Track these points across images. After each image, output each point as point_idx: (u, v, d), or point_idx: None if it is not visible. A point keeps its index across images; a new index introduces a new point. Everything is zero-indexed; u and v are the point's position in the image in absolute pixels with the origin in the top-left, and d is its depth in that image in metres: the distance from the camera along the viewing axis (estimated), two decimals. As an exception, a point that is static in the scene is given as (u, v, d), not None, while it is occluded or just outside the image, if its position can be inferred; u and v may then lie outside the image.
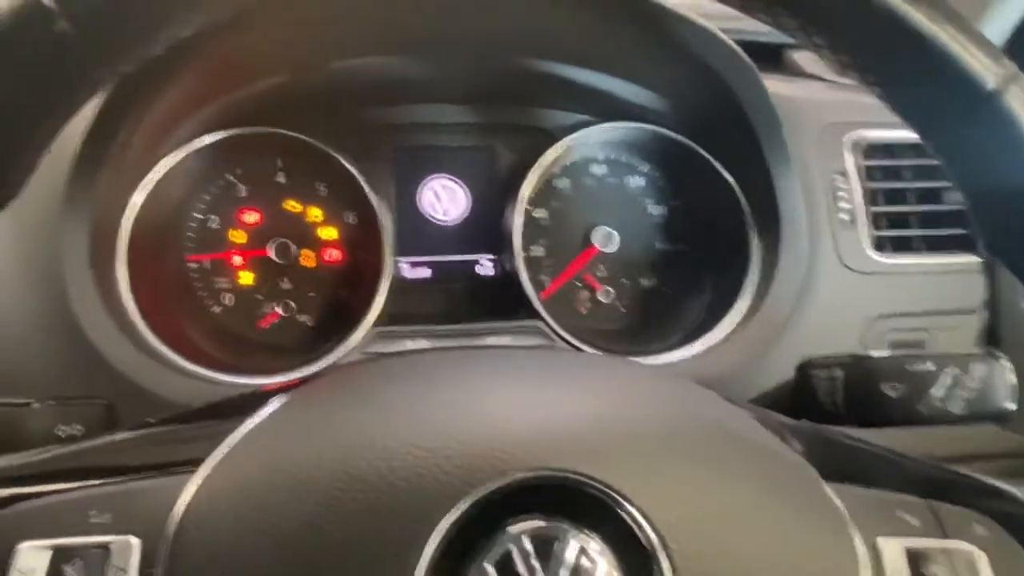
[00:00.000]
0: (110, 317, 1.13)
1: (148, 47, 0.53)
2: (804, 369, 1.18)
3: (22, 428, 0.93)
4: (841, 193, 1.37)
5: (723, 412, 0.61)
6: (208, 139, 1.32)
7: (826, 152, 1.36)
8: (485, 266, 1.55)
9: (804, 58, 1.58)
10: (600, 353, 1.24)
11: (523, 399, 0.56)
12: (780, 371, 1.26)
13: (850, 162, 1.39)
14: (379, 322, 1.31)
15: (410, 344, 1.29)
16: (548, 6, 1.12)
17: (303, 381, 0.65)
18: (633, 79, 1.33)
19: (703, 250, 1.50)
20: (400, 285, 1.42)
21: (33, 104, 0.50)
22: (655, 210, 1.58)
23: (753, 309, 1.32)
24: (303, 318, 1.48)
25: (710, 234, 1.47)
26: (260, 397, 0.63)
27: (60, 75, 0.51)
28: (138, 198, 1.26)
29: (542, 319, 1.33)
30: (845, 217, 1.36)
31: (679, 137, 1.44)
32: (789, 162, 1.29)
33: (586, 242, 1.52)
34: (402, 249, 1.46)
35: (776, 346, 1.28)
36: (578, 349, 1.26)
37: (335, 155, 1.34)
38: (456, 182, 1.54)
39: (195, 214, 1.42)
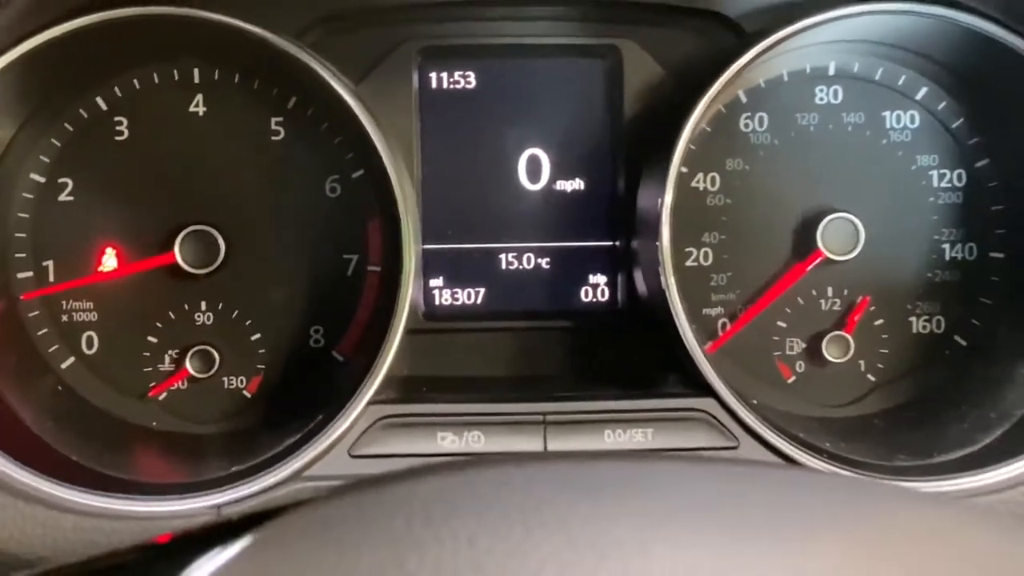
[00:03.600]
0: None
1: None
2: None
3: None
4: None
5: None
6: (57, 32, 0.98)
7: None
8: (592, 284, 1.17)
9: None
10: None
11: None
12: None
13: None
14: (385, 391, 1.00)
15: (447, 442, 0.98)
16: None
17: (248, 523, 0.52)
18: None
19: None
20: (428, 315, 1.15)
21: None
22: (939, 178, 1.17)
23: None
24: (234, 382, 1.13)
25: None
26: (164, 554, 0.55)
27: None
28: None
29: (715, 395, 1.01)
30: None
31: (1008, 36, 1.04)
32: None
33: (802, 242, 1.14)
34: (431, 234, 1.14)
35: None
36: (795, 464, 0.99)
37: (305, 60, 1.01)
38: (534, 115, 1.17)
39: (32, 175, 1.09)
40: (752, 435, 1.00)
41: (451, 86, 1.13)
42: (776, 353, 1.16)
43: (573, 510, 0.47)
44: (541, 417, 1.01)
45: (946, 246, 1.17)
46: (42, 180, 1.09)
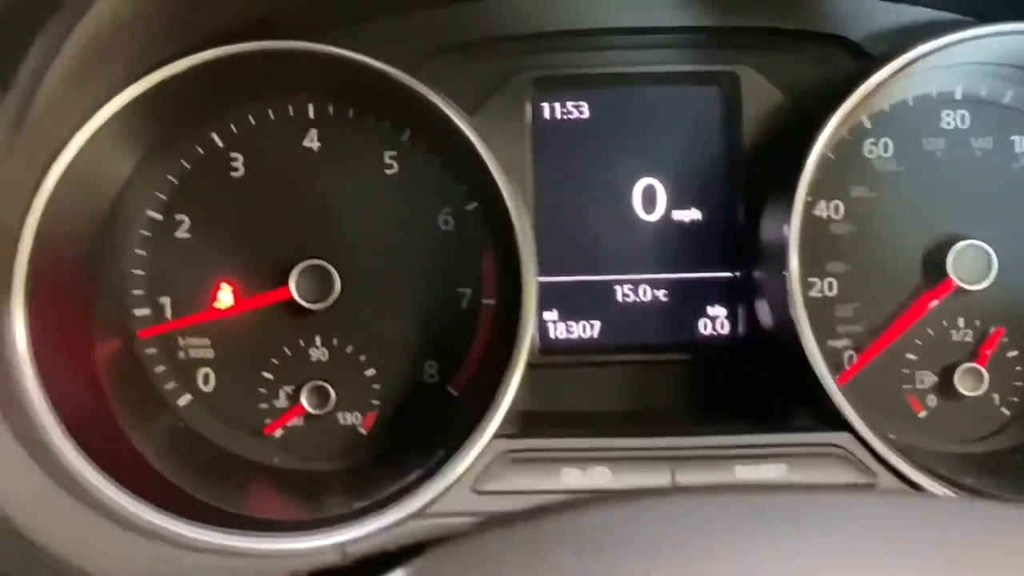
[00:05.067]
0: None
1: None
2: None
3: None
4: None
5: None
6: (177, 68, 0.97)
7: None
8: (711, 316, 1.13)
9: None
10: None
11: None
12: None
13: None
14: (505, 426, 0.98)
15: (572, 478, 0.94)
16: None
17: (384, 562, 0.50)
18: None
19: None
20: (544, 349, 1.13)
21: None
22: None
23: None
24: (349, 418, 1.11)
25: None
26: None
27: None
28: (48, 188, 0.94)
29: (850, 429, 0.96)
30: None
31: None
32: None
33: (931, 271, 1.09)
34: (545, 266, 1.10)
35: None
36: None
37: (422, 92, 1.00)
38: (648, 144, 1.13)
39: (149, 212, 1.09)
40: (891, 470, 0.96)
41: (564, 116, 1.11)
42: (906, 386, 1.12)
43: (754, 542, 0.45)
44: (668, 452, 0.98)
45: (1084, 276, 1.10)
46: (159, 217, 1.08)
